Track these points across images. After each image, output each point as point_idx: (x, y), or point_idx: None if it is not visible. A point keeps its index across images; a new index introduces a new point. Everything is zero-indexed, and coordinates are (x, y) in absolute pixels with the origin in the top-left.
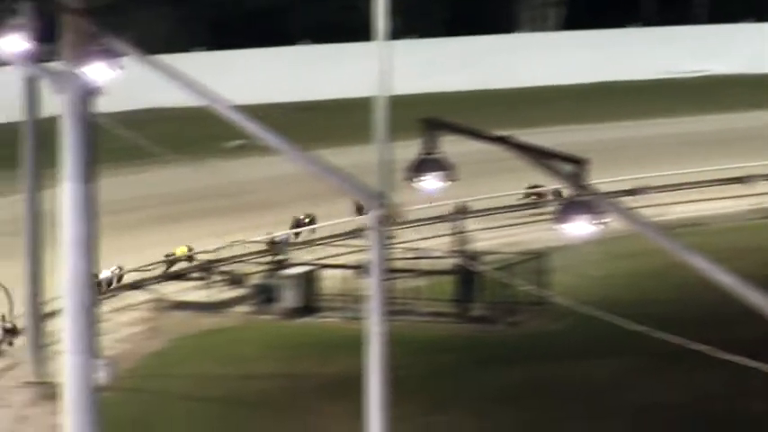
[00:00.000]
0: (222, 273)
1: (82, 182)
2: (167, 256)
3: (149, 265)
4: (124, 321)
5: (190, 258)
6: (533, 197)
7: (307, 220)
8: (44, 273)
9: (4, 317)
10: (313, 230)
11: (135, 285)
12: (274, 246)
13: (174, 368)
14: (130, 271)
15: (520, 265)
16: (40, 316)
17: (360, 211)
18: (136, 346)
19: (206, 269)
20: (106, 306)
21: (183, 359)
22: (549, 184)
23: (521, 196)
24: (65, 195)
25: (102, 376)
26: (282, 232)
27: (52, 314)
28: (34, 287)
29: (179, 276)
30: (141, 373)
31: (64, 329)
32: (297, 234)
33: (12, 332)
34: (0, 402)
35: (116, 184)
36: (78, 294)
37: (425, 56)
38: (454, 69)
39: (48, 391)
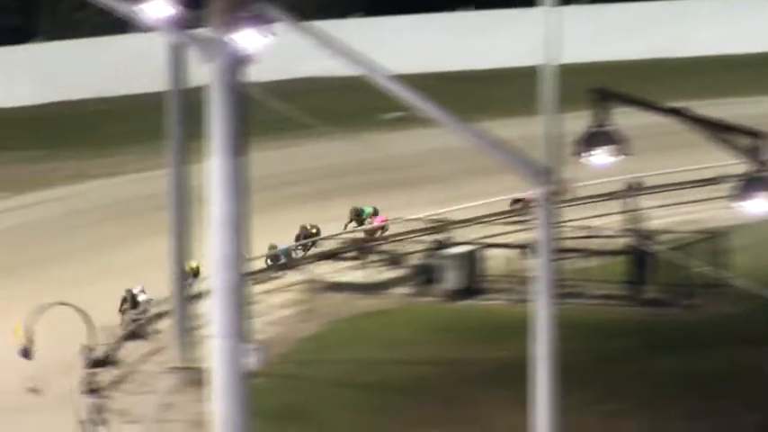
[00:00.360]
0: (380, 252)
1: (230, 156)
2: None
3: (301, 244)
4: (276, 303)
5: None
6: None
7: (314, 231)
8: (191, 252)
9: (90, 348)
10: (313, 244)
11: (288, 265)
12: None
13: (329, 353)
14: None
15: (696, 245)
16: (187, 297)
17: (356, 218)
18: (288, 330)
19: (363, 248)
20: (257, 287)
21: (338, 343)
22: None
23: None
24: (212, 170)
25: (252, 361)
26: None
27: (199, 296)
28: (180, 267)
29: (334, 256)
30: (294, 359)
31: (212, 312)
32: (305, 247)
33: (103, 363)
34: (144, 388)
35: (267, 159)
36: (227, 275)
37: (595, 22)
38: (625, 36)
39: (194, 377)
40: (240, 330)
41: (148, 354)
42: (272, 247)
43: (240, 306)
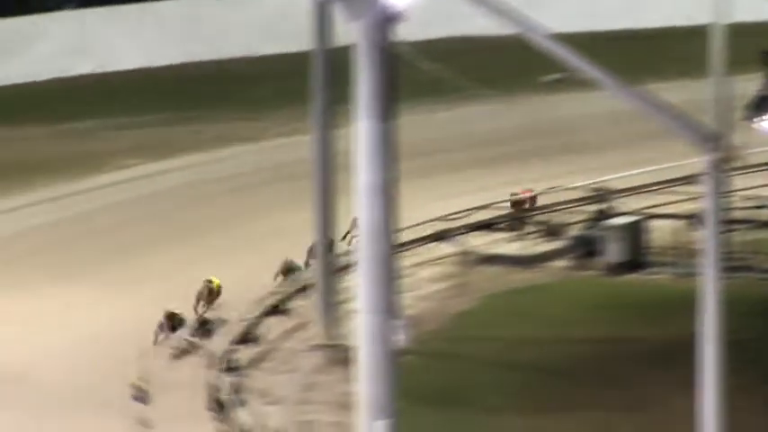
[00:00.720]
0: (537, 223)
1: (378, 120)
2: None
3: (455, 214)
4: (427, 277)
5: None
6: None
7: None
8: (336, 222)
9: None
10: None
11: (439, 237)
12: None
13: (483, 330)
14: (433, 220)
15: None
16: (332, 271)
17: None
18: (440, 305)
19: (519, 219)
20: (407, 260)
21: (493, 320)
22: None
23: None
24: (359, 135)
25: (401, 339)
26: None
27: (345, 268)
28: (324, 238)
29: (488, 227)
30: (446, 336)
31: (358, 286)
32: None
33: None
34: (286, 367)
35: (417, 123)
36: (374, 246)
37: None
38: None
39: (339, 355)
40: (389, 305)
41: (291, 330)
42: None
43: (389, 279)
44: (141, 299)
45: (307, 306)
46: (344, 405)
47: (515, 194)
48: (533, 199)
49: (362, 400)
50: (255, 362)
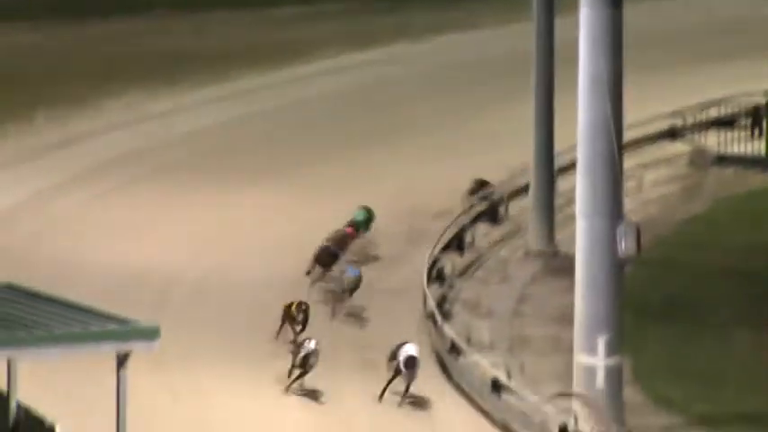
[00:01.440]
0: None
1: (604, 7)
2: None
3: (688, 108)
4: (655, 179)
5: None
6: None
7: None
8: (555, 119)
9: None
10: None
11: (670, 134)
12: None
13: (715, 236)
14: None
15: None
16: (550, 172)
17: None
18: (669, 210)
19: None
20: (633, 160)
21: (727, 225)
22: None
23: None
24: (582, 23)
25: (625, 246)
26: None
27: (565, 169)
28: (544, 135)
29: (726, 124)
30: (675, 242)
31: (578, 188)
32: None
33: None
34: (497, 277)
35: (644, 11)
36: (596, 145)
37: None
38: None
39: (556, 264)
40: (611, 209)
41: (504, 238)
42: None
43: (611, 181)
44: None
45: (521, 211)
46: (561, 319)
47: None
48: None
49: (581, 313)
50: (465, 271)
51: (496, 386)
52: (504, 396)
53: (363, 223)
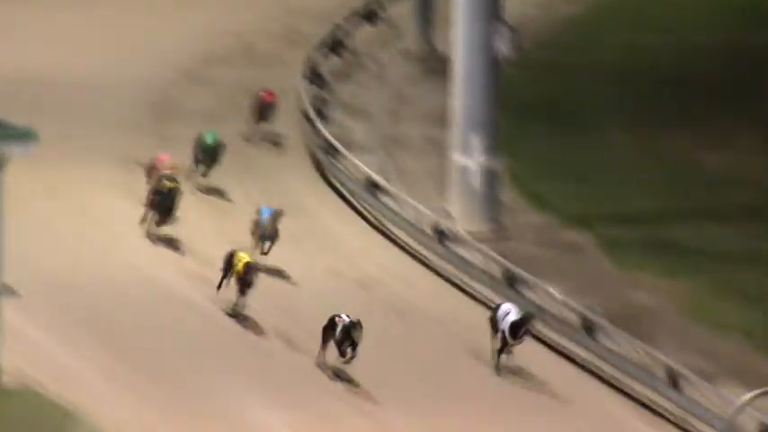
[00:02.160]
0: None
1: None
2: None
3: None
4: None
5: None
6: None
7: None
8: None
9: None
10: None
11: None
12: None
13: (594, 37)
14: None
15: None
16: None
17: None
18: (549, 11)
19: None
20: None
21: (606, 27)
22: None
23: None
24: None
25: (503, 48)
26: None
27: None
28: None
29: None
30: (553, 43)
31: None
32: None
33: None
34: (375, 79)
35: None
36: None
37: None
38: None
39: (434, 66)
40: (490, 11)
41: (382, 39)
42: None
43: None
44: None
45: (402, 14)
46: (438, 119)
47: None
48: None
49: (457, 113)
50: (343, 73)
51: (374, 186)
52: (381, 196)
53: (211, 147)
